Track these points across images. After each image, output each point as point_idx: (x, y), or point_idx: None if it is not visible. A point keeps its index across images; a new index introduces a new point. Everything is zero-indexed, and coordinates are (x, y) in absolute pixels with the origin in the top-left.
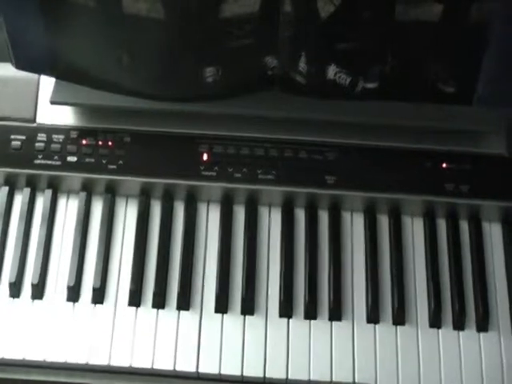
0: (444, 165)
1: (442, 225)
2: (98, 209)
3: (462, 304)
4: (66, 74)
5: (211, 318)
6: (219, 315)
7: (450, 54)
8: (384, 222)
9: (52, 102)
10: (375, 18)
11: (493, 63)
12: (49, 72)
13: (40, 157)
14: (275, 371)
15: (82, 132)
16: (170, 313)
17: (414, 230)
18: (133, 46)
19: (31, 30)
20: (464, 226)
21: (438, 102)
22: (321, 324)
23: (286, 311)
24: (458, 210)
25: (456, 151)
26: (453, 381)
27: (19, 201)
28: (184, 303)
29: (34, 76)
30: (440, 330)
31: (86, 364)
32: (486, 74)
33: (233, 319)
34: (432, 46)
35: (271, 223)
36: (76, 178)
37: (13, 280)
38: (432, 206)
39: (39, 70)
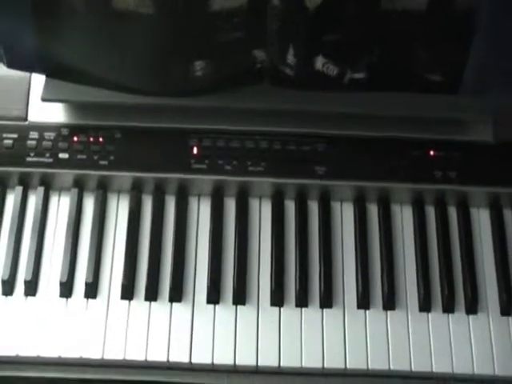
0: (432, 152)
1: (430, 211)
2: (89, 205)
3: (452, 288)
4: (56, 71)
5: (203, 308)
6: (211, 306)
7: (437, 43)
8: (373, 210)
9: (43, 100)
10: (362, 9)
11: (479, 51)
12: (40, 70)
13: (32, 155)
14: (267, 359)
15: (73, 129)
16: (162, 305)
17: (404, 217)
18: (122, 41)
19: (22, 29)
20: (452, 212)
21: (425, 91)
22: (312, 312)
23: (278, 300)
24: (447, 197)
25: (443, 139)
26: (443, 363)
27: (11, 199)
28: (176, 295)
29: (26, 74)
30: (430, 314)
31: (80, 358)
32: (473, 62)
33: (225, 309)
34: (419, 36)
35: (262, 215)
36: (68, 174)
37: (6, 278)
38: (421, 193)
39: (30, 68)
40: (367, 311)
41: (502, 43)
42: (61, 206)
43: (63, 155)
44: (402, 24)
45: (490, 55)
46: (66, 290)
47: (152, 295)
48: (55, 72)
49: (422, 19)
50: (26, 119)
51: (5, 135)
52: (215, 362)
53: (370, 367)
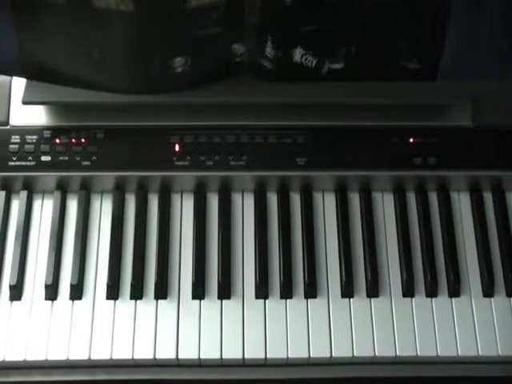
0: (411, 139)
1: (411, 198)
2: (73, 206)
3: (434, 272)
4: (36, 73)
5: (189, 304)
6: (197, 301)
7: (413, 31)
8: (355, 199)
9: (24, 103)
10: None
11: (455, 37)
12: (20, 73)
13: (14, 159)
14: (254, 352)
15: (55, 131)
16: (148, 303)
17: (385, 205)
18: (103, 40)
19: (1, 32)
20: (433, 198)
21: (403, 79)
22: (297, 302)
23: (262, 292)
24: (427, 183)
25: (422, 125)
26: (428, 346)
27: None
28: (161, 292)
29: (6, 78)
30: (413, 299)
31: (67, 360)
32: (449, 48)
33: (210, 304)
34: (395, 24)
35: (244, 208)
36: (51, 177)
37: None
38: (401, 180)
39: (10, 71)
40: (351, 299)
41: (476, 28)
42: (44, 209)
43: (45, 158)
44: (378, 13)
45: (465, 39)
46: (52, 292)
47: (137, 293)
48: (35, 74)
49: (397, 7)
50: (7, 123)
51: None
52: (202, 356)
53: (355, 355)
